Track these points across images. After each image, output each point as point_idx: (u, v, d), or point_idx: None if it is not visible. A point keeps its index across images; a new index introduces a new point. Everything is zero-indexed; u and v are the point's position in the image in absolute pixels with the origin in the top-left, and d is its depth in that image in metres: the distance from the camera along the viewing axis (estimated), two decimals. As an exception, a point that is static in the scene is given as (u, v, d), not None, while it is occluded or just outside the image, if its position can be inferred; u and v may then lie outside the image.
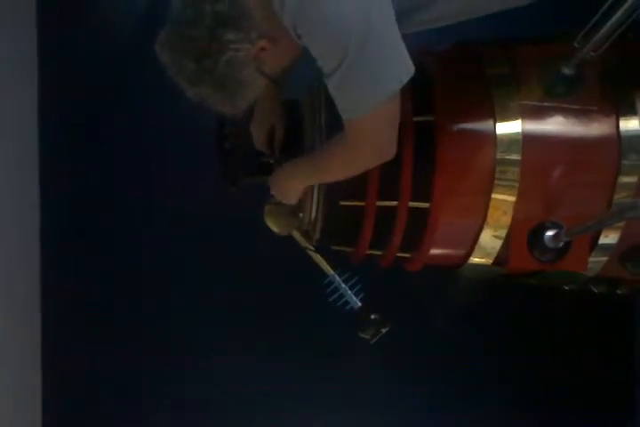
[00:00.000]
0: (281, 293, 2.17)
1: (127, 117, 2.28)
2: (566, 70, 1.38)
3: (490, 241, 1.49)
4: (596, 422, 2.13)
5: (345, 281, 1.62)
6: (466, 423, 2.20)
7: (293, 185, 1.46)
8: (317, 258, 1.62)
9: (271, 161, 1.56)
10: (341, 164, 1.32)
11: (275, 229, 1.58)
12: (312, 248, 1.61)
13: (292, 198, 1.49)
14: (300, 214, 1.57)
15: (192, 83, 1.11)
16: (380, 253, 1.58)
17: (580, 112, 1.43)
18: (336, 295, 1.62)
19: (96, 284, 2.26)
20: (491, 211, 1.46)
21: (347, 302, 1.62)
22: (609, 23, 1.24)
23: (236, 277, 2.14)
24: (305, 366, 2.20)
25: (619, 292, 1.68)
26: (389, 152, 1.25)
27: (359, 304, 1.62)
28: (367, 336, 1.61)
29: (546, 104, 1.43)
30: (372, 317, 1.61)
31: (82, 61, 2.29)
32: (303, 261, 1.62)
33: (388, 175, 1.43)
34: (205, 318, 2.20)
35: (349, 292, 1.62)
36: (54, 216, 2.28)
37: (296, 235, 1.60)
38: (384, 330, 1.61)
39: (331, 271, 1.62)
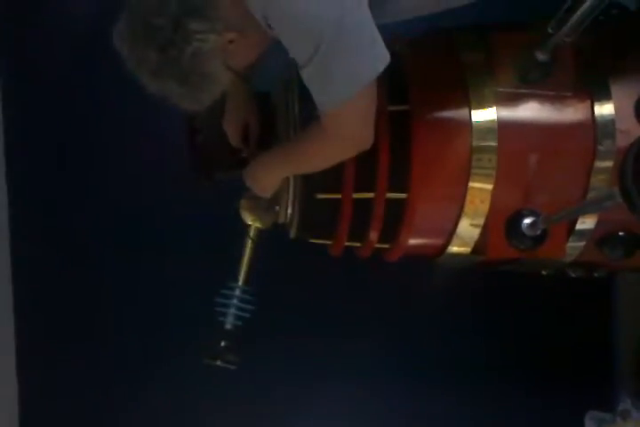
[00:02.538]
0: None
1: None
2: (540, 56, 1.36)
3: (468, 230, 1.49)
4: (578, 399, 2.16)
5: (240, 299, 1.55)
6: (451, 408, 2.22)
7: (269, 178, 1.43)
8: (245, 260, 1.56)
9: (246, 155, 1.53)
10: (318, 154, 1.29)
11: (251, 223, 1.56)
12: (252, 245, 1.56)
13: (267, 191, 1.47)
14: (276, 208, 1.54)
15: (155, 75, 1.07)
16: (358, 244, 1.57)
17: (554, 98, 1.42)
18: (221, 305, 1.55)
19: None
20: (468, 199, 1.45)
21: (222, 316, 1.54)
22: (582, 8, 1.23)
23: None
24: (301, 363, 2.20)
25: (596, 275, 1.69)
26: (366, 142, 1.23)
27: (229, 326, 1.53)
28: (205, 359, 1.52)
29: (520, 91, 1.42)
30: (223, 344, 1.53)
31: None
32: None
33: (363, 167, 1.41)
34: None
35: (233, 310, 1.54)
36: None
37: (252, 228, 1.55)
38: (220, 363, 1.51)
39: (239, 281, 1.55)
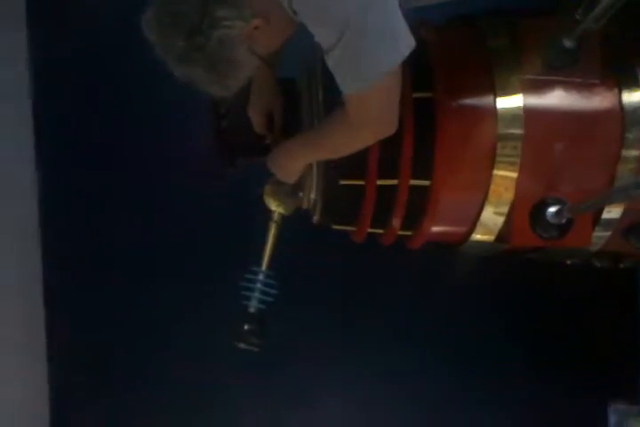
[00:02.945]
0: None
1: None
2: (567, 43, 1.35)
3: (492, 218, 1.48)
4: (602, 391, 2.14)
5: (264, 284, 1.56)
6: (474, 395, 2.22)
7: (293, 163, 1.44)
8: (269, 245, 1.57)
9: (269, 142, 1.55)
10: (342, 140, 1.30)
11: (274, 208, 1.57)
12: (275, 230, 1.57)
13: (291, 177, 1.48)
14: (300, 194, 1.56)
15: (181, 61, 1.08)
16: (381, 231, 1.57)
17: (581, 85, 1.41)
18: (245, 288, 1.56)
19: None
20: (492, 187, 1.45)
21: (246, 300, 1.56)
22: (610, -6, 1.21)
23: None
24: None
25: (622, 266, 1.67)
26: (391, 127, 1.23)
27: (252, 310, 1.55)
28: (234, 340, 1.55)
29: (547, 77, 1.41)
30: (246, 327, 1.54)
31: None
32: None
33: (387, 153, 1.41)
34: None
35: (257, 294, 1.56)
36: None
37: (276, 213, 1.56)
38: (243, 346, 1.54)
39: (263, 266, 1.57)
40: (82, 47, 2.20)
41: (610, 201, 1.38)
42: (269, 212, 1.57)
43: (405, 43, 1.10)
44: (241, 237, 2.02)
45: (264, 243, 1.59)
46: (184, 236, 2.20)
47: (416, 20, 1.16)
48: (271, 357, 1.76)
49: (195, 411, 2.20)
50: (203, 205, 2.16)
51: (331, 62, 1.12)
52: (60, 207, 2.22)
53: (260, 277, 1.57)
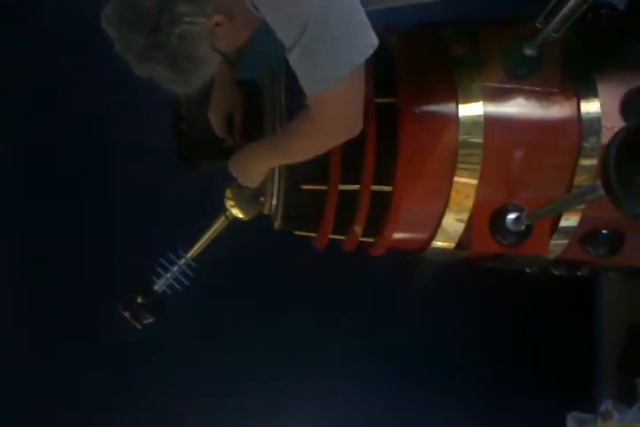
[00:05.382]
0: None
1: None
2: (528, 51, 1.37)
3: (452, 224, 1.49)
4: (559, 399, 2.16)
5: (181, 271, 1.56)
6: (433, 408, 2.21)
7: (256, 167, 1.42)
8: (207, 236, 1.56)
9: (232, 146, 1.53)
10: (307, 142, 1.27)
11: (236, 213, 1.55)
12: (223, 225, 1.57)
13: (254, 181, 1.45)
14: (261, 199, 1.54)
15: (142, 59, 1.06)
16: (343, 237, 1.56)
17: (541, 94, 1.43)
18: (161, 265, 1.57)
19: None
20: (453, 194, 1.45)
21: (157, 278, 1.56)
22: (570, 3, 1.24)
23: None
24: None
25: (579, 274, 1.69)
26: (355, 127, 1.21)
27: (156, 288, 1.56)
28: (121, 307, 1.55)
29: (507, 86, 1.43)
30: (140, 300, 1.55)
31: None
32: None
33: (349, 158, 1.41)
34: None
35: (169, 276, 1.56)
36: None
37: (233, 212, 1.55)
38: (128, 316, 1.54)
39: (189, 254, 1.57)
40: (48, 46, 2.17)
41: (567, 206, 1.40)
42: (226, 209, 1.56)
43: (368, 42, 1.10)
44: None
45: (202, 233, 1.57)
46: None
47: (379, 24, 1.15)
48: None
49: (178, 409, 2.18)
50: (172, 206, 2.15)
51: (292, 60, 1.11)
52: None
53: (182, 262, 1.56)
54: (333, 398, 2.20)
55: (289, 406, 2.21)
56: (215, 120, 1.51)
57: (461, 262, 1.61)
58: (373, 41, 1.10)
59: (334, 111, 1.17)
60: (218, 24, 1.07)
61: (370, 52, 1.10)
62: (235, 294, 2.14)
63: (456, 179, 1.44)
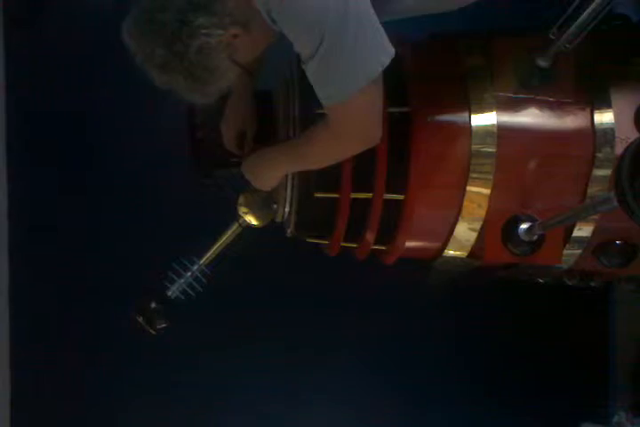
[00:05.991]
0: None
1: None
2: (541, 62, 1.38)
3: (465, 234, 1.49)
4: (572, 411, 2.14)
5: (194, 277, 1.57)
6: (443, 417, 2.20)
7: (270, 171, 1.42)
8: (220, 242, 1.57)
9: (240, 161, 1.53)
10: (325, 151, 1.28)
11: (249, 219, 1.56)
12: (237, 231, 1.57)
13: (267, 184, 1.46)
14: (274, 206, 1.55)
15: (162, 70, 1.08)
16: (355, 245, 1.57)
17: (554, 104, 1.43)
18: (175, 271, 1.57)
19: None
20: (466, 203, 1.46)
21: (170, 283, 1.57)
22: (583, 15, 1.24)
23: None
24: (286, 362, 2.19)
25: (592, 284, 1.69)
26: (375, 136, 1.22)
27: (169, 293, 1.56)
28: (135, 312, 1.56)
29: (521, 96, 1.43)
30: (153, 305, 1.55)
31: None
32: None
33: (362, 167, 1.42)
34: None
35: (182, 281, 1.56)
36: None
37: (246, 218, 1.55)
38: (141, 320, 1.54)
39: (202, 260, 1.57)
40: (62, 50, 2.21)
41: (580, 217, 1.40)
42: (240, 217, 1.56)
43: (385, 52, 1.10)
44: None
45: (215, 239, 1.58)
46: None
47: (392, 35, 1.17)
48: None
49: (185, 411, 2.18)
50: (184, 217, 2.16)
51: (310, 72, 1.12)
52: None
53: (195, 268, 1.57)
54: (333, 398, 2.20)
55: (289, 407, 2.20)
56: (226, 133, 1.53)
57: (473, 272, 1.61)
58: (390, 50, 1.11)
59: (353, 121, 1.18)
60: (235, 36, 1.09)
61: (388, 61, 1.10)
62: (235, 294, 2.15)
63: (469, 188, 1.45)
